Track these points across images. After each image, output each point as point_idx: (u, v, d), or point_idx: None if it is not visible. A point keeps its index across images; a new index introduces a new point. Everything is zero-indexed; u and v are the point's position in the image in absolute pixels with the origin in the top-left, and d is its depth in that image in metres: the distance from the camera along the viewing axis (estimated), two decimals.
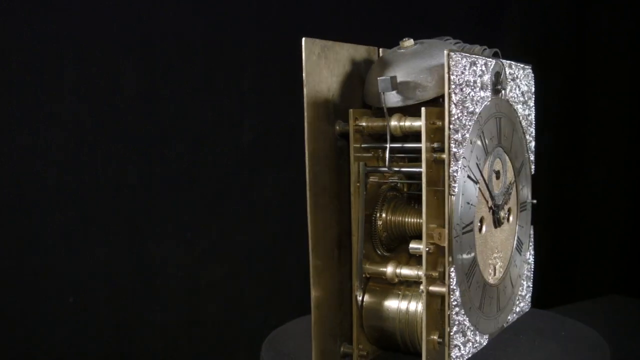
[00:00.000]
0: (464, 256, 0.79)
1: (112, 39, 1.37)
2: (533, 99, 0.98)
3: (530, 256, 1.01)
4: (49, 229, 1.34)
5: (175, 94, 1.43)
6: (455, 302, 0.77)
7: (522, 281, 0.98)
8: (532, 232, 1.00)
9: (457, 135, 0.75)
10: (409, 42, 0.83)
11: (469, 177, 0.79)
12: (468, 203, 0.79)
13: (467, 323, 0.81)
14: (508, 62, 0.90)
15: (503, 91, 0.87)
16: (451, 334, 0.77)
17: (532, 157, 0.99)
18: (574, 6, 1.95)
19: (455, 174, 0.75)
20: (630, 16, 1.91)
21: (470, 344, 0.82)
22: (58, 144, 1.34)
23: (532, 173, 0.99)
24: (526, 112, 0.96)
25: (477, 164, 0.80)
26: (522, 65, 0.94)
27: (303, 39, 0.80)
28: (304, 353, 0.89)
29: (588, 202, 1.97)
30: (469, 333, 0.81)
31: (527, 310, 1.01)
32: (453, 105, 0.75)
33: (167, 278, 1.45)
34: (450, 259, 0.76)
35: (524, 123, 0.95)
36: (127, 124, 1.39)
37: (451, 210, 0.75)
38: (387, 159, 0.81)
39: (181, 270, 1.46)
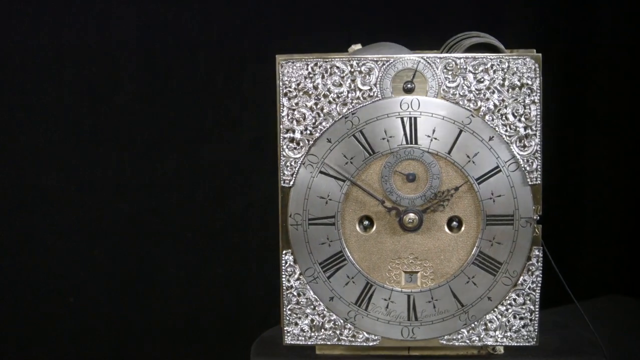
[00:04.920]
0: (315, 245, 0.89)
1: (112, 38, 1.37)
2: (525, 93, 0.85)
3: (533, 282, 0.85)
4: (48, 229, 1.34)
5: (175, 94, 1.43)
6: (291, 285, 0.92)
7: (501, 307, 0.86)
8: (538, 253, 0.84)
9: (294, 135, 0.91)
10: (351, 48, 0.92)
11: (322, 172, 0.89)
12: (322, 197, 0.89)
13: (322, 310, 0.90)
14: (460, 54, 0.86)
15: (435, 89, 0.86)
16: (284, 310, 0.91)
17: (532, 164, 0.83)
18: (574, 6, 1.95)
19: (286, 168, 0.91)
20: (630, 16, 1.91)
21: (332, 332, 0.90)
22: (58, 144, 1.34)
23: (532, 183, 0.83)
24: (505, 110, 0.84)
25: (348, 162, 0.88)
26: (488, 56, 0.86)
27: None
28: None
29: (588, 202, 1.97)
30: (327, 322, 0.90)
31: (525, 344, 0.87)
32: (285, 109, 0.91)
33: (167, 278, 1.45)
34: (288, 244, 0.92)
35: (496, 123, 0.84)
36: (127, 123, 1.39)
37: (287, 200, 0.91)
38: None
39: (181, 270, 1.46)
